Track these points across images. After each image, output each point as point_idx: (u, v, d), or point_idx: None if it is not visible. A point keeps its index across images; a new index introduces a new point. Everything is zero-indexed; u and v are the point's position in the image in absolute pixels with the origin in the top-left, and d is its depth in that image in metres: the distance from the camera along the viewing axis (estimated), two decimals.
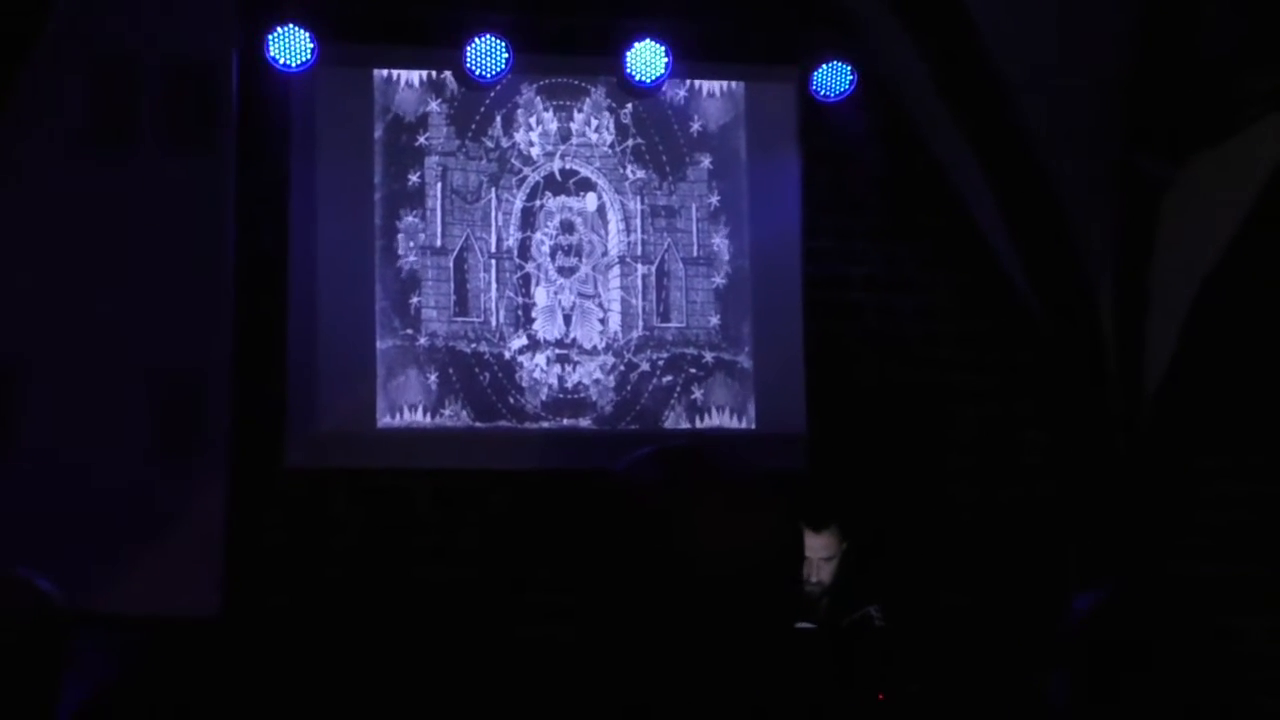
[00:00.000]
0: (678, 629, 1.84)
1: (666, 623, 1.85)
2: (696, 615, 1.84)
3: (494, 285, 6.84)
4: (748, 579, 1.86)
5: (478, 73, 6.70)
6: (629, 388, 6.88)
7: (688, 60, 6.89)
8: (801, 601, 5.32)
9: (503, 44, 6.66)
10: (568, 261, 6.91)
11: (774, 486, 1.95)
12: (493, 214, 6.88)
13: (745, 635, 1.86)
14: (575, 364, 6.86)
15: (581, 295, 6.91)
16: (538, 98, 6.97)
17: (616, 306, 6.93)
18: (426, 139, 6.84)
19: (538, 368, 6.82)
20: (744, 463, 1.95)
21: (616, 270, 6.95)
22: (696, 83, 7.09)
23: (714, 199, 7.07)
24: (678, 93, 7.07)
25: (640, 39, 6.76)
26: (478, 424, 6.74)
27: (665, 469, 1.91)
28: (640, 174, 7.02)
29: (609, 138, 7.01)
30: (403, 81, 6.85)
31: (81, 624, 2.53)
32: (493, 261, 6.85)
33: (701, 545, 1.84)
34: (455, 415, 6.72)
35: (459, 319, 6.78)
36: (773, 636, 1.90)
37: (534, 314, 6.85)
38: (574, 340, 6.87)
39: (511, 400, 6.77)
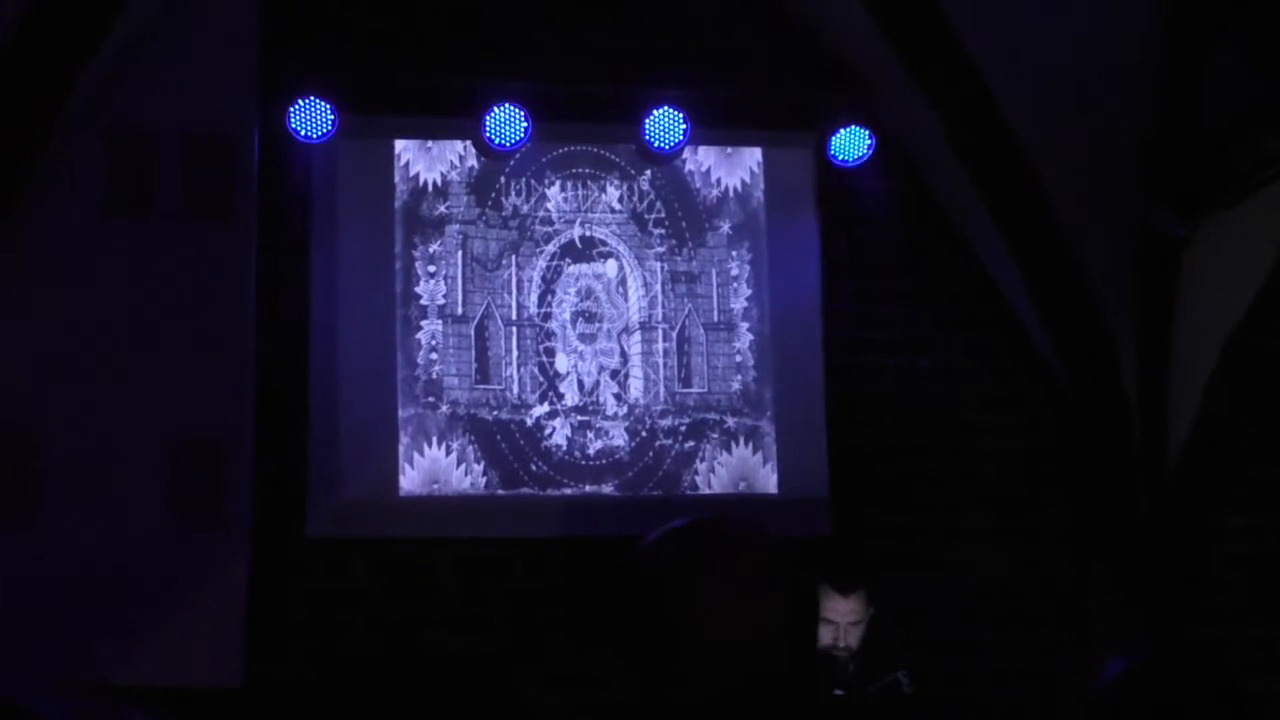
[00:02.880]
0: (691, 699, 1.87)
1: (680, 692, 1.88)
2: (708, 683, 1.88)
3: (515, 352, 6.85)
4: (758, 648, 1.88)
5: (497, 141, 6.74)
6: (651, 453, 6.87)
7: (706, 127, 6.93)
8: (822, 666, 5.28)
9: (521, 113, 6.70)
10: (588, 328, 6.92)
11: (790, 555, 1.99)
12: (513, 281, 6.90)
13: (758, 704, 1.89)
14: (597, 430, 6.86)
15: (603, 361, 6.92)
16: (557, 166, 7.00)
17: (638, 372, 6.94)
18: (447, 208, 6.87)
19: (560, 434, 6.82)
20: (761, 533, 2.01)
21: (638, 336, 6.96)
22: (715, 149, 7.12)
23: (734, 264, 7.08)
24: (696, 159, 7.10)
25: (658, 106, 6.81)
26: (500, 491, 6.73)
27: (680, 544, 2.00)
28: (660, 240, 7.04)
29: (628, 204, 7.03)
30: (423, 151, 6.88)
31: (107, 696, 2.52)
32: (513, 329, 6.87)
33: (712, 618, 1.92)
34: (477, 483, 6.71)
35: (480, 386, 6.79)
36: (785, 704, 1.93)
37: (555, 381, 6.86)
38: (596, 406, 6.87)
39: (534, 467, 6.77)
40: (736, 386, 7.01)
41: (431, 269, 6.82)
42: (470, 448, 6.72)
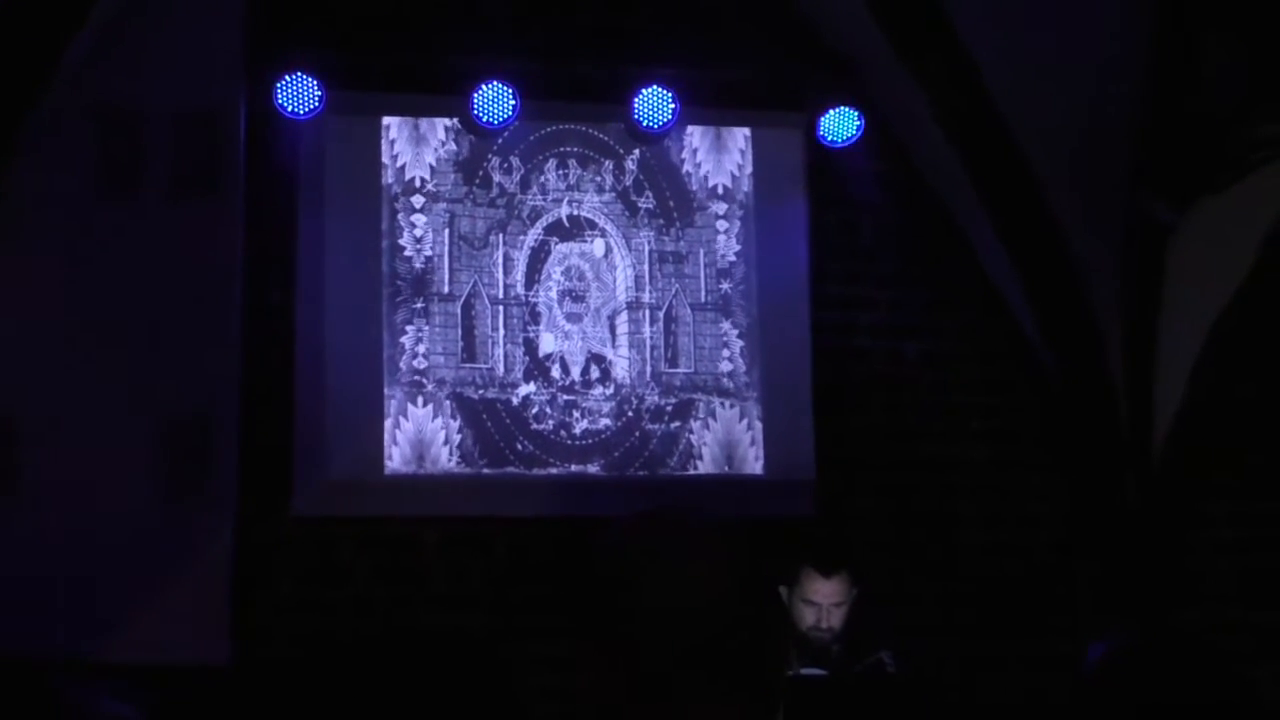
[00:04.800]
0: (647, 678, 1.94)
1: (637, 671, 1.95)
2: (662, 662, 1.92)
3: (502, 331, 6.84)
4: (709, 628, 1.97)
5: (485, 120, 6.72)
6: (637, 433, 6.87)
7: (695, 106, 6.91)
8: (805, 647, 5.30)
9: (510, 91, 6.68)
10: (575, 307, 6.91)
11: (740, 543, 2.09)
12: (500, 260, 6.88)
13: (710, 683, 1.94)
14: (584, 410, 6.85)
15: (589, 341, 6.91)
16: (545, 144, 6.98)
17: (625, 352, 6.93)
18: (434, 186, 6.85)
19: (545, 414, 6.81)
20: (710, 521, 2.12)
21: (625, 316, 6.95)
22: (704, 129, 7.10)
23: (721, 245, 7.08)
24: (685, 139, 7.09)
25: (647, 86, 6.79)
26: (485, 470, 6.73)
27: (632, 533, 2.09)
28: (648, 220, 7.02)
29: (617, 184, 7.02)
30: (410, 129, 6.86)
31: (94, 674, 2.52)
32: (500, 308, 6.85)
33: (663, 601, 1.98)
34: (462, 462, 6.71)
35: (466, 365, 6.78)
36: (741, 683, 1.98)
37: (542, 360, 6.85)
38: (582, 386, 6.87)
39: (519, 446, 6.76)
40: (724, 367, 7.01)
41: (418, 247, 6.80)
42: (456, 426, 6.71)
